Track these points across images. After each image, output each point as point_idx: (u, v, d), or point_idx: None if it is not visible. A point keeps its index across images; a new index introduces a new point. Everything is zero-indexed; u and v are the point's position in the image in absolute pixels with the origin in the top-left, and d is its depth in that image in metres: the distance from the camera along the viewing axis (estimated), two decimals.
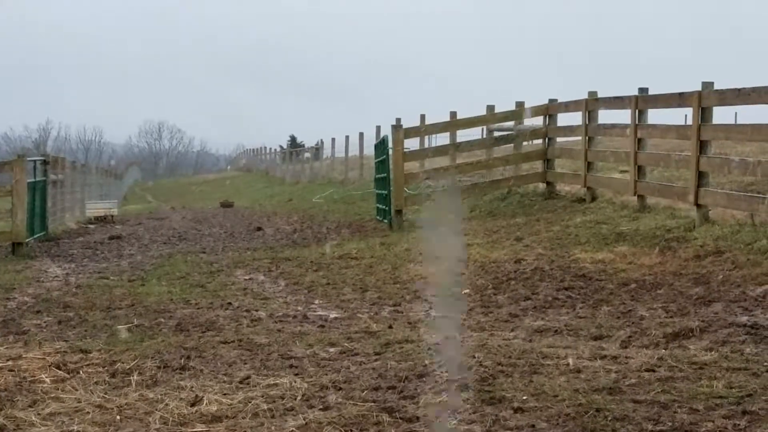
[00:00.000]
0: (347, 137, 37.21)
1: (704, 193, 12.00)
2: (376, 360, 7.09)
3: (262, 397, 6.11)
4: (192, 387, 6.39)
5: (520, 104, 19.81)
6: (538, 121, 19.01)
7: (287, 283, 11.71)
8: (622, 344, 7.45)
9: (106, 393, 6.33)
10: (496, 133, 20.92)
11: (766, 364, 6.39)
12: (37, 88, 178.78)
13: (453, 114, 22.57)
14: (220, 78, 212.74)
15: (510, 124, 20.43)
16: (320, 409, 5.80)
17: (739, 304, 8.29)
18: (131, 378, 6.71)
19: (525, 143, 20.16)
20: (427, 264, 11.69)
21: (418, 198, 19.12)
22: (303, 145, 60.51)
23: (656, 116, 14.50)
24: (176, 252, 15.85)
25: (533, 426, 5.30)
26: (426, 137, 26.26)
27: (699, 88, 12.24)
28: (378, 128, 29.92)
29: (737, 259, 9.75)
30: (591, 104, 16.38)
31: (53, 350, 7.64)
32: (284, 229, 19.95)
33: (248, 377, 6.63)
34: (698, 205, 12.02)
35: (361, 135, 34.06)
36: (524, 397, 5.79)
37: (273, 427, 5.47)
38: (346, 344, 7.71)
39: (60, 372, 6.94)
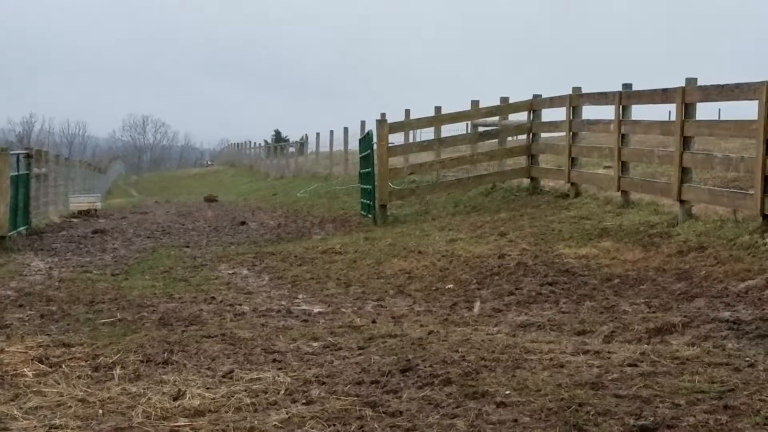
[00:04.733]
0: (332, 132, 37.17)
1: (687, 189, 12.04)
2: (359, 354, 7.10)
3: (245, 391, 6.10)
4: (175, 381, 6.37)
5: (504, 99, 19.82)
6: (522, 117, 19.04)
7: (271, 278, 11.70)
8: (604, 339, 7.48)
9: (88, 387, 6.31)
10: (481, 129, 20.90)
11: (747, 359, 6.41)
12: (20, 82, 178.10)
13: (438, 109, 22.54)
14: (205, 73, 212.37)
15: (494, 119, 20.44)
16: (303, 404, 5.79)
17: (722, 300, 8.33)
18: (114, 372, 6.69)
19: (509, 138, 20.18)
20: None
21: (403, 193, 19.13)
22: (288, 140, 60.39)
23: (640, 112, 14.53)
24: (160, 246, 15.81)
25: (516, 420, 5.31)
26: (411, 132, 26.22)
27: (683, 84, 12.27)
28: (363, 123, 29.87)
29: (720, 254, 9.78)
30: (575, 100, 16.39)
31: (36, 344, 7.61)
32: (268, 224, 19.92)
33: (231, 371, 6.63)
34: (681, 201, 12.06)
35: (346, 130, 33.99)
36: (507, 392, 5.80)
37: (256, 422, 5.46)
38: (329, 339, 7.71)
39: (42, 366, 6.91)
